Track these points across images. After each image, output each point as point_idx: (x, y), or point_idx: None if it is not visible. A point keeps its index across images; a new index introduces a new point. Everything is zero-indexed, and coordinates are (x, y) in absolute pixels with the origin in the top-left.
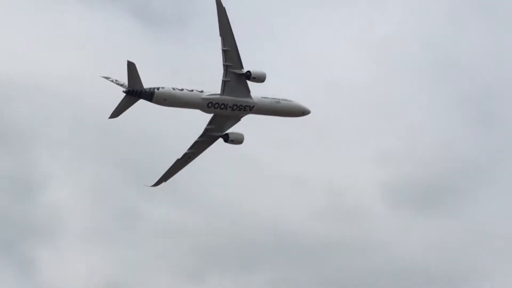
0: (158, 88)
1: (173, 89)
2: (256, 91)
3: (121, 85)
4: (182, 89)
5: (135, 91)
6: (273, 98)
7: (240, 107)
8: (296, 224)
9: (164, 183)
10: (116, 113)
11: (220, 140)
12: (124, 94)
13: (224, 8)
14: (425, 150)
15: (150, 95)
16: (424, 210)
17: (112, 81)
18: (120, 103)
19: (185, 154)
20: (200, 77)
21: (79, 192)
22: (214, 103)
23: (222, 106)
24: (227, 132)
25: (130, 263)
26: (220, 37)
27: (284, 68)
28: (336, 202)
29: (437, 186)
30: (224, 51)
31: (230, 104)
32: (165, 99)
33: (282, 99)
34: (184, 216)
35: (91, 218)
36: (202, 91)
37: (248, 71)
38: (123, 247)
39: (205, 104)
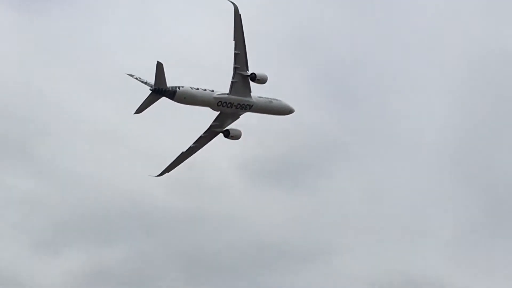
0: (179, 87)
1: (191, 88)
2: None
3: (145, 83)
4: (197, 88)
5: (160, 90)
6: (267, 98)
7: (243, 106)
8: (154, 198)
9: (167, 173)
10: (140, 109)
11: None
12: (150, 92)
13: (240, 15)
14: (284, 125)
15: (172, 94)
16: (281, 186)
17: (136, 78)
18: (145, 100)
19: (189, 147)
20: None
21: None
22: (223, 101)
23: (229, 105)
24: (227, 128)
25: None
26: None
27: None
28: (194, 176)
29: (295, 161)
30: (235, 54)
31: (235, 103)
32: (184, 98)
33: (273, 99)
34: (39, 187)
35: None
36: (212, 91)
37: (253, 73)
38: None
39: (216, 103)
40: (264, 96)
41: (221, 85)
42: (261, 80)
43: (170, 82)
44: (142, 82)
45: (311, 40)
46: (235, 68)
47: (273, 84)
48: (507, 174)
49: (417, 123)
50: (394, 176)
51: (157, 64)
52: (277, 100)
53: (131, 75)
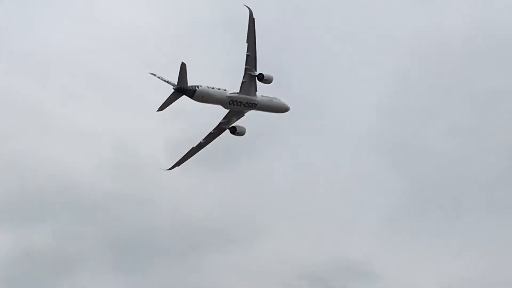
0: (198, 87)
1: (208, 87)
2: None
3: (166, 82)
4: (213, 88)
5: (182, 89)
6: (268, 97)
7: (250, 104)
8: (81, 178)
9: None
10: (163, 107)
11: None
12: (173, 90)
13: (254, 18)
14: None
15: (192, 92)
16: (208, 167)
17: (158, 77)
18: (168, 98)
19: (199, 143)
20: None
21: None
22: (234, 100)
23: (239, 103)
24: (234, 125)
25: None
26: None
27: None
28: (122, 156)
29: (225, 144)
30: (247, 56)
31: (244, 102)
32: (202, 96)
33: (273, 98)
34: None
35: None
36: (225, 90)
37: (261, 74)
38: None
39: (228, 101)
40: (265, 95)
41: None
42: (268, 80)
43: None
44: (165, 81)
45: None
46: (245, 69)
47: None
48: (435, 159)
49: (348, 107)
50: (323, 160)
51: (181, 65)
52: (276, 99)
53: (154, 74)
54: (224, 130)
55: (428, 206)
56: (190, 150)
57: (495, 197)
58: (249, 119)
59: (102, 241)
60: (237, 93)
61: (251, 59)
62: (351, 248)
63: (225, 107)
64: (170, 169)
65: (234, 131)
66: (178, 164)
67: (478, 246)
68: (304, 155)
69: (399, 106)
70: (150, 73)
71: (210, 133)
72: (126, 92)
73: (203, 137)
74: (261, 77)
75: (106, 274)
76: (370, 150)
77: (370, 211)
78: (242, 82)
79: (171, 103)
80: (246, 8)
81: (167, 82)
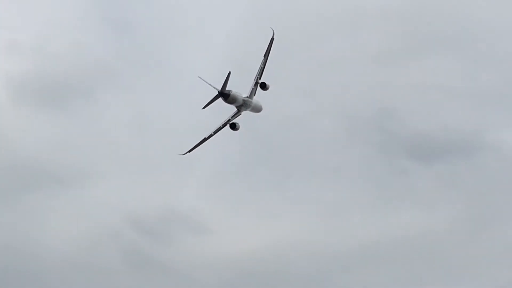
0: (230, 91)
1: (236, 92)
2: None
3: (210, 85)
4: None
5: (223, 93)
6: (255, 99)
7: (250, 105)
8: None
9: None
10: (206, 106)
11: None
12: (217, 93)
13: (274, 39)
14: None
15: (227, 96)
16: (48, 108)
17: (205, 82)
18: (212, 99)
19: (210, 134)
20: None
21: None
22: (245, 102)
23: (246, 105)
24: (233, 122)
25: None
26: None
27: None
28: None
29: (65, 85)
30: (261, 68)
31: (249, 104)
32: (233, 99)
33: (256, 100)
34: None
35: None
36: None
37: (263, 82)
38: None
39: (242, 104)
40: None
41: None
42: (267, 88)
43: None
44: (210, 85)
45: None
46: (256, 78)
47: None
48: (270, 119)
49: (192, 60)
50: (162, 109)
51: (228, 73)
52: (257, 101)
53: (202, 79)
54: (225, 125)
55: (259, 164)
56: (202, 139)
57: (325, 160)
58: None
59: None
60: (247, 97)
61: (261, 70)
62: (180, 199)
63: (237, 107)
64: (184, 154)
65: (234, 127)
66: (190, 150)
67: (303, 206)
68: (141, 102)
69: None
70: (199, 77)
71: (220, 127)
72: None
73: (214, 131)
74: (263, 85)
75: None
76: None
77: (202, 165)
78: (252, 88)
79: (212, 103)
80: (271, 29)
81: (210, 85)
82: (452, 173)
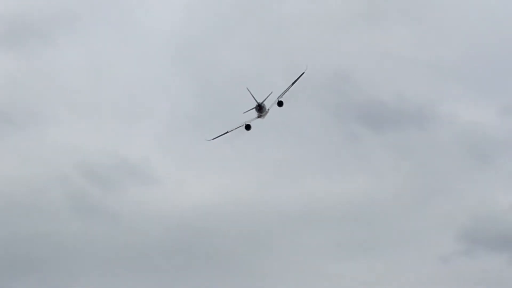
0: (263, 103)
1: (265, 104)
2: None
3: (253, 96)
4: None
5: (260, 104)
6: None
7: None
8: None
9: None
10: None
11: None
12: (256, 104)
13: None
14: None
15: (261, 107)
16: (5, 46)
17: (250, 93)
18: (251, 108)
19: (228, 131)
20: None
21: None
22: (266, 112)
23: (266, 114)
24: (249, 124)
25: None
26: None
27: None
28: None
29: (23, 24)
30: (285, 90)
31: (266, 113)
32: (264, 110)
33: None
34: None
35: None
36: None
37: (281, 101)
38: None
39: (265, 114)
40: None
41: None
42: (282, 105)
43: None
44: (253, 96)
45: None
46: (279, 97)
47: None
48: (223, 71)
49: (152, 10)
50: (119, 58)
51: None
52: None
53: (249, 90)
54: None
55: (211, 119)
56: (225, 132)
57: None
58: None
59: None
60: (269, 108)
61: (284, 92)
62: (131, 149)
63: (259, 116)
64: (210, 139)
65: (248, 128)
66: (216, 137)
67: (252, 164)
68: (99, 49)
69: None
70: (247, 88)
71: (238, 126)
72: None
73: (233, 129)
74: (281, 103)
75: None
76: (168, 54)
77: (155, 117)
78: (272, 103)
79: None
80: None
81: (254, 98)
82: (403, 142)
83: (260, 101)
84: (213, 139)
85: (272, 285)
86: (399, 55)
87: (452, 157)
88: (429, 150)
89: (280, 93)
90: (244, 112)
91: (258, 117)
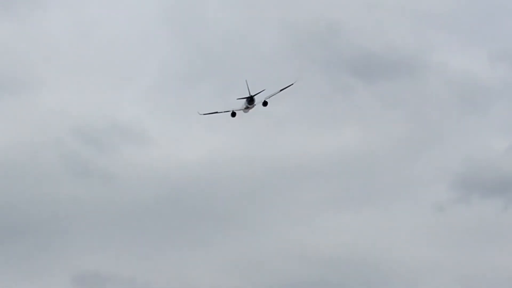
0: (253, 97)
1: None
2: None
3: (248, 89)
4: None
5: (251, 96)
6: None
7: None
8: None
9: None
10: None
11: None
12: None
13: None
14: None
15: (253, 101)
16: None
17: (247, 85)
18: (243, 97)
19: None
20: None
21: None
22: (253, 106)
23: (253, 107)
24: (235, 111)
25: None
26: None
27: None
28: None
29: None
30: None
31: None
32: (252, 104)
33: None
34: None
35: None
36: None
37: (266, 101)
38: None
39: (252, 107)
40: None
41: None
42: (266, 105)
43: None
44: (248, 89)
45: None
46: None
47: None
48: (213, 30)
49: None
50: (108, 18)
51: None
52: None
53: (247, 83)
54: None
55: (202, 76)
56: (219, 111)
57: (269, 74)
58: None
59: None
60: (255, 104)
61: (272, 95)
62: (122, 109)
63: (248, 107)
64: (202, 114)
65: (234, 115)
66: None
67: (244, 119)
68: (88, 10)
69: None
70: (245, 80)
71: (227, 111)
72: None
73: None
74: (266, 103)
75: None
76: (155, 17)
77: (143, 74)
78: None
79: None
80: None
81: (249, 90)
82: (395, 92)
83: (253, 94)
84: (204, 114)
85: (268, 240)
86: (388, 5)
87: (444, 105)
88: (421, 99)
89: (268, 95)
90: (237, 99)
91: (246, 108)
